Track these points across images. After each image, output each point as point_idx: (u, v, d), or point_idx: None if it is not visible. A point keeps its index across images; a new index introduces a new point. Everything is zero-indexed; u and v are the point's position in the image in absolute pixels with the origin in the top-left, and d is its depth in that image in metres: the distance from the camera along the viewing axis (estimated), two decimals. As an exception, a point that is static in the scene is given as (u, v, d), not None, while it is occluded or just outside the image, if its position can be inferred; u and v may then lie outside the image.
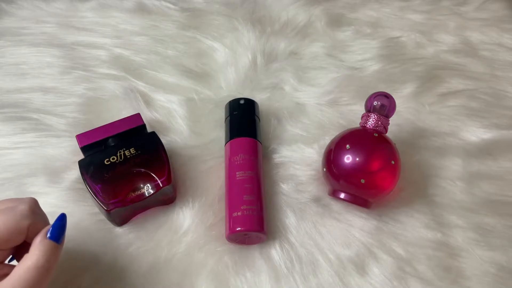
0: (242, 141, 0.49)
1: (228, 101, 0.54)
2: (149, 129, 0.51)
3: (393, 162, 0.44)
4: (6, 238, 0.32)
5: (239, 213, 0.43)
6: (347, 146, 0.44)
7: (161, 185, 0.43)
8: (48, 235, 0.33)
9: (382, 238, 0.45)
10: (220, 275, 0.42)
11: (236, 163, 0.47)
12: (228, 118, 0.53)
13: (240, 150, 0.48)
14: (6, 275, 0.31)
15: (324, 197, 0.48)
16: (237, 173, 0.46)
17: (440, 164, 0.52)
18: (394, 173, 0.45)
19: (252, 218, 0.43)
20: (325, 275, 0.43)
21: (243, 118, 0.52)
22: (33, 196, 0.36)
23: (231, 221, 0.43)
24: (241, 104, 0.53)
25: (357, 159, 0.43)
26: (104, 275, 0.41)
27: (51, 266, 0.32)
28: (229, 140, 0.50)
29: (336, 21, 0.70)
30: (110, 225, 0.45)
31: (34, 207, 0.34)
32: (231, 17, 0.69)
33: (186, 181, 0.48)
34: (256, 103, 0.54)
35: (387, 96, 0.47)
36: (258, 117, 0.53)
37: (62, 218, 0.34)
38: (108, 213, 0.42)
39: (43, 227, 0.33)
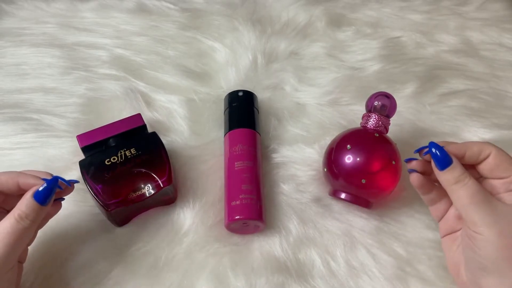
0: (241, 132, 0.49)
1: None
2: (149, 129, 0.51)
3: (394, 162, 0.44)
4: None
5: (237, 202, 0.43)
6: (348, 146, 0.44)
7: (161, 185, 0.43)
8: (34, 194, 0.34)
9: (382, 238, 0.45)
10: (221, 275, 0.42)
11: (235, 153, 0.47)
12: (227, 109, 0.53)
13: (239, 140, 0.48)
14: None
15: (325, 197, 0.48)
16: (235, 163, 0.46)
17: (441, 164, 0.52)
18: (395, 174, 0.45)
19: (250, 206, 0.43)
20: (325, 276, 0.42)
21: (242, 110, 0.52)
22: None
23: (230, 210, 0.43)
24: (240, 96, 0.53)
25: (358, 159, 0.43)
26: (104, 276, 0.41)
27: (31, 225, 0.33)
28: (228, 131, 0.50)
29: (336, 21, 0.70)
30: (110, 225, 0.45)
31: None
32: (232, 17, 0.68)
33: (187, 181, 0.48)
34: (255, 95, 0.55)
35: (387, 96, 0.47)
36: (257, 108, 0.53)
37: (52, 182, 0.35)
38: (109, 214, 0.42)
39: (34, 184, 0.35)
